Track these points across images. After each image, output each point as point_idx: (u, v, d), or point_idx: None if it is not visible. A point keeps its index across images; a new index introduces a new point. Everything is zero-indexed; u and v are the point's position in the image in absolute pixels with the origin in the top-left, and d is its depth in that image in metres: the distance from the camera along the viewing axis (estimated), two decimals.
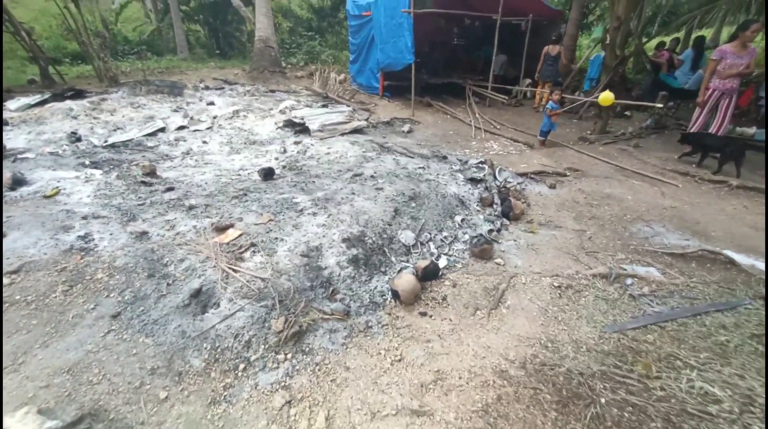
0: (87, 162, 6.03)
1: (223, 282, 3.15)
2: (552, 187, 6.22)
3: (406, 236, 4.36)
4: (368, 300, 3.43)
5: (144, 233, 3.73)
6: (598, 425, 2.28)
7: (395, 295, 3.44)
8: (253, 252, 3.55)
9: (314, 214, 4.29)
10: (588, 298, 3.49)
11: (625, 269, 3.84)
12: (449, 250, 4.38)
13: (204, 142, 7.46)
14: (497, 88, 11.73)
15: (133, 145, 7.14)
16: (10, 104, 9.28)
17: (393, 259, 3.98)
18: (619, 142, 8.49)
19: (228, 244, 3.63)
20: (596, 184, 6.31)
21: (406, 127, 9.09)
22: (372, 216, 4.39)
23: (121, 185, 4.83)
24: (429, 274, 3.75)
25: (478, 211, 5.38)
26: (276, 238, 3.76)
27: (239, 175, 5.86)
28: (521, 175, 6.57)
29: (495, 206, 5.39)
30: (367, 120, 9.20)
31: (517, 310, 3.35)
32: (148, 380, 2.46)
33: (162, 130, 7.99)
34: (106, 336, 2.68)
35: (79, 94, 10.71)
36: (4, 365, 2.44)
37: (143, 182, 4.97)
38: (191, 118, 8.58)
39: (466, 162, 6.91)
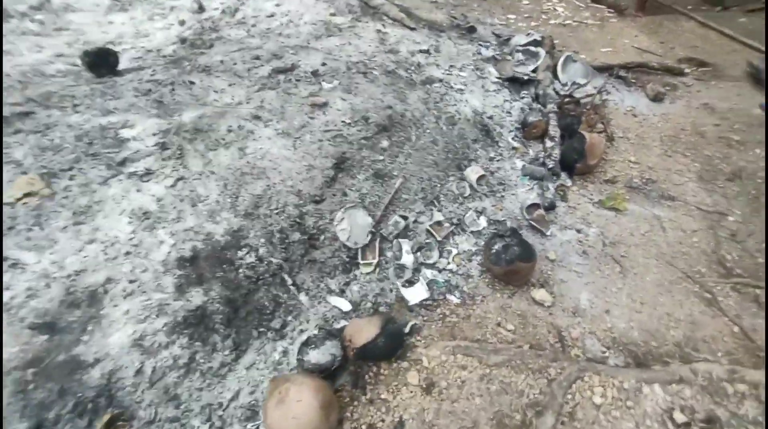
0: None
1: None
2: (657, 98, 3.40)
3: (353, 227, 2.04)
4: None
5: None
6: None
7: None
8: None
9: (147, 174, 1.93)
10: None
11: None
12: (442, 254, 2.11)
13: None
14: None
15: None
16: None
17: (302, 298, 1.77)
18: None
19: None
20: (738, 95, 3.44)
21: None
22: (277, 182, 2.01)
23: None
24: (377, 352, 1.61)
25: (514, 149, 2.84)
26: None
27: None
28: (603, 69, 3.67)
29: (550, 143, 2.79)
30: None
31: None
32: None
33: None
34: None
35: None
36: None
37: None
38: None
39: (508, 39, 3.93)
